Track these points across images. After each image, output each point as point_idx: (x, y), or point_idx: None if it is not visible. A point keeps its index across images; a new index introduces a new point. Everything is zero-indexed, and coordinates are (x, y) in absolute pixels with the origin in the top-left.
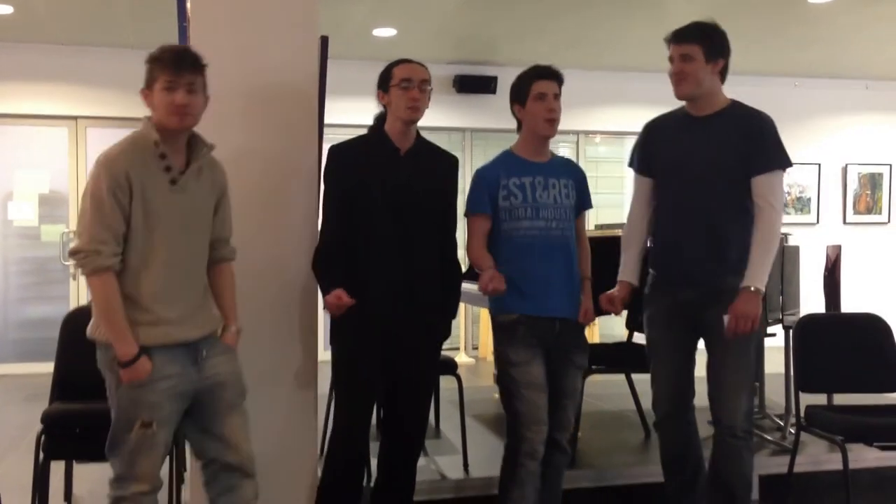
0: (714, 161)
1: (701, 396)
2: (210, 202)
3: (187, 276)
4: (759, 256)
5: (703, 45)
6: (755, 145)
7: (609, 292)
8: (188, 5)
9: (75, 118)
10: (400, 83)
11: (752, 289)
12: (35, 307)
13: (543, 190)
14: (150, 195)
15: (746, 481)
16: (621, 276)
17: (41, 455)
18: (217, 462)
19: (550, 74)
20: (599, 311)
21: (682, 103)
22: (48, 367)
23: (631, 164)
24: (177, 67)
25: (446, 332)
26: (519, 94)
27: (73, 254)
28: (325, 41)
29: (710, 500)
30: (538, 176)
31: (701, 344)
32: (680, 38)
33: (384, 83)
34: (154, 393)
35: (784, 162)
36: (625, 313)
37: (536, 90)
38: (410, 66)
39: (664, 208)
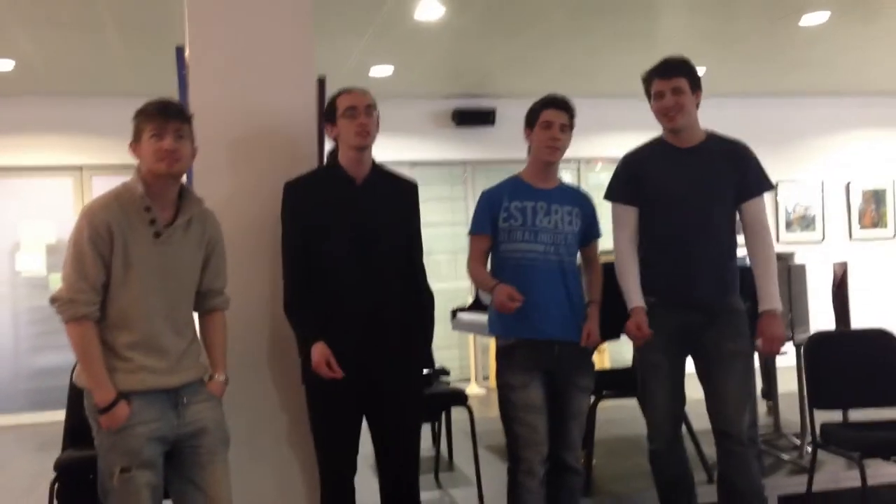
0: (710, 190)
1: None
2: (197, 255)
3: (169, 327)
4: (771, 277)
5: (688, 77)
6: (743, 173)
7: (635, 320)
8: (186, 53)
9: (80, 168)
10: (345, 112)
11: (775, 311)
12: (45, 356)
13: (545, 215)
14: (132, 247)
15: (759, 489)
16: (635, 303)
17: (55, 503)
18: None
19: (559, 104)
20: (607, 336)
21: (656, 135)
22: (60, 416)
23: (610, 196)
24: (164, 116)
25: (424, 361)
26: (530, 119)
27: (52, 301)
28: (322, 81)
29: None
30: (541, 201)
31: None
32: (670, 72)
33: (330, 115)
34: (132, 438)
35: (769, 185)
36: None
37: (544, 118)
38: (353, 94)
39: (661, 235)
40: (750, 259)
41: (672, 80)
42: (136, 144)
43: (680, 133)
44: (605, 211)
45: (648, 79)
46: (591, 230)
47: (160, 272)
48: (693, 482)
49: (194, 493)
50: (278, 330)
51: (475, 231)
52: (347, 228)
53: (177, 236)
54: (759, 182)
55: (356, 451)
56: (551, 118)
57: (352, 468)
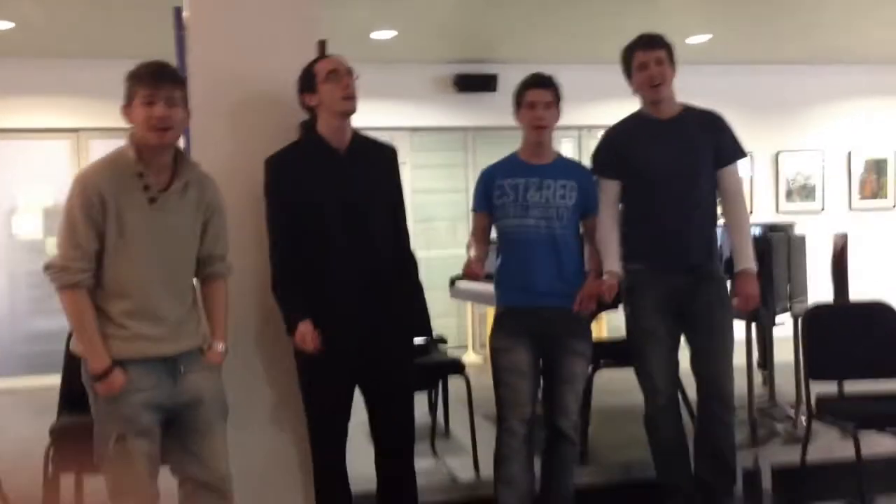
0: (693, 158)
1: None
2: (195, 220)
3: (165, 294)
4: (746, 239)
5: (667, 50)
6: (720, 141)
7: (606, 280)
8: (185, 14)
9: (77, 131)
10: (328, 76)
11: (751, 270)
12: (42, 320)
13: (536, 191)
14: (125, 214)
15: (734, 452)
16: (612, 267)
17: (50, 468)
18: (192, 480)
19: (541, 83)
20: (608, 306)
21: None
22: (56, 380)
23: (593, 170)
24: (155, 81)
25: (421, 327)
26: (517, 100)
27: (46, 269)
28: (322, 45)
29: (706, 473)
30: (533, 177)
31: None
32: (652, 44)
33: (309, 84)
34: (128, 406)
35: (743, 153)
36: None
37: (528, 98)
38: (331, 58)
39: (647, 204)
40: (727, 222)
41: (655, 51)
42: (127, 108)
43: (660, 104)
44: None
45: (630, 51)
46: (588, 203)
47: (156, 238)
48: (688, 447)
49: (191, 462)
50: (268, 304)
51: (473, 209)
52: (335, 200)
53: (172, 201)
54: (734, 150)
55: (347, 420)
56: (534, 98)
57: (343, 436)
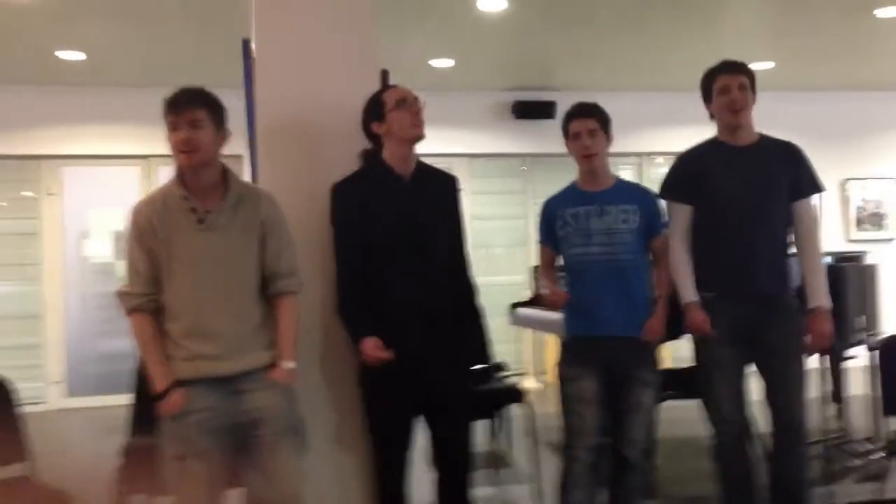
0: (767, 187)
1: None
2: (248, 237)
3: (221, 314)
4: (819, 275)
5: (749, 78)
6: (796, 173)
7: (693, 315)
8: (253, 45)
9: (147, 157)
10: (398, 104)
11: (824, 308)
12: (114, 341)
13: (598, 218)
14: (174, 238)
15: (810, 486)
16: (689, 298)
17: (120, 488)
18: (260, 500)
19: (582, 112)
20: (673, 333)
21: (710, 134)
22: (128, 399)
23: (664, 195)
24: (175, 107)
25: (481, 354)
26: (564, 132)
27: (115, 295)
28: (385, 74)
29: None
30: (592, 205)
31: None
32: (735, 69)
33: (377, 112)
34: (186, 426)
35: (820, 187)
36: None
37: (571, 129)
38: (398, 88)
39: (719, 231)
40: (800, 257)
41: (739, 76)
42: (166, 134)
43: (738, 131)
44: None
45: (712, 75)
46: (653, 224)
47: (205, 258)
48: (756, 482)
49: (260, 482)
50: (335, 326)
51: (540, 241)
52: (399, 226)
53: (221, 221)
54: (811, 183)
55: (408, 446)
56: (578, 128)
57: (403, 462)
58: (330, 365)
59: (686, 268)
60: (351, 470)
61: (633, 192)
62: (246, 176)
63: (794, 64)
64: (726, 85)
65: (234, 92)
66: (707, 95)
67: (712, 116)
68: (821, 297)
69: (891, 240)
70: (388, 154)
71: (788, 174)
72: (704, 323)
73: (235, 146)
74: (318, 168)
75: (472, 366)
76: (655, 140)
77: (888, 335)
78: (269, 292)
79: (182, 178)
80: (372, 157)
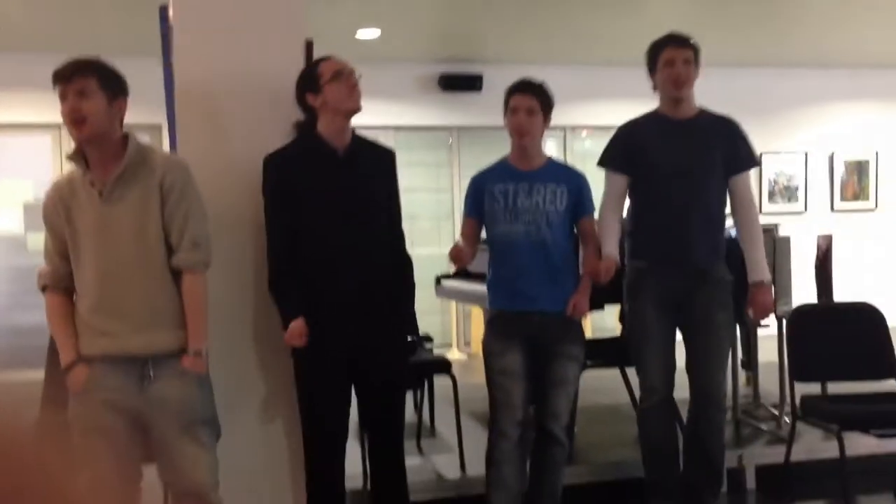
0: (706, 161)
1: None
2: (148, 206)
3: (127, 288)
4: (759, 248)
5: (695, 52)
6: (734, 147)
7: (603, 262)
8: (170, 11)
9: (59, 126)
10: (333, 77)
11: (765, 281)
12: (23, 315)
13: (526, 196)
14: (76, 214)
15: (723, 451)
16: (607, 251)
17: None
18: (172, 486)
19: (525, 88)
20: (593, 307)
21: (644, 104)
22: (37, 375)
23: (603, 163)
24: (62, 77)
25: (409, 328)
26: (504, 105)
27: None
28: (309, 45)
29: (693, 473)
30: (522, 182)
31: None
32: (681, 42)
33: (312, 84)
34: (88, 403)
35: (756, 161)
36: (616, 308)
37: (512, 103)
38: (334, 59)
39: (655, 202)
40: (738, 231)
41: (684, 49)
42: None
43: (680, 104)
44: (590, 179)
45: (658, 48)
46: (581, 206)
47: (107, 231)
48: (678, 448)
49: (167, 470)
50: (263, 301)
51: (466, 214)
52: (333, 202)
53: (118, 191)
54: (748, 157)
55: (345, 418)
56: (517, 103)
57: (340, 436)
58: (260, 344)
59: (612, 230)
60: (282, 444)
61: (563, 173)
62: (165, 146)
63: (714, 39)
64: (671, 58)
65: (156, 59)
66: (652, 67)
67: (655, 88)
68: (762, 270)
69: (802, 212)
70: (323, 127)
71: (726, 148)
72: (607, 273)
73: (155, 115)
74: (237, 138)
75: (406, 337)
76: (580, 113)
77: (798, 305)
78: (173, 266)
79: (81, 151)
80: (306, 129)
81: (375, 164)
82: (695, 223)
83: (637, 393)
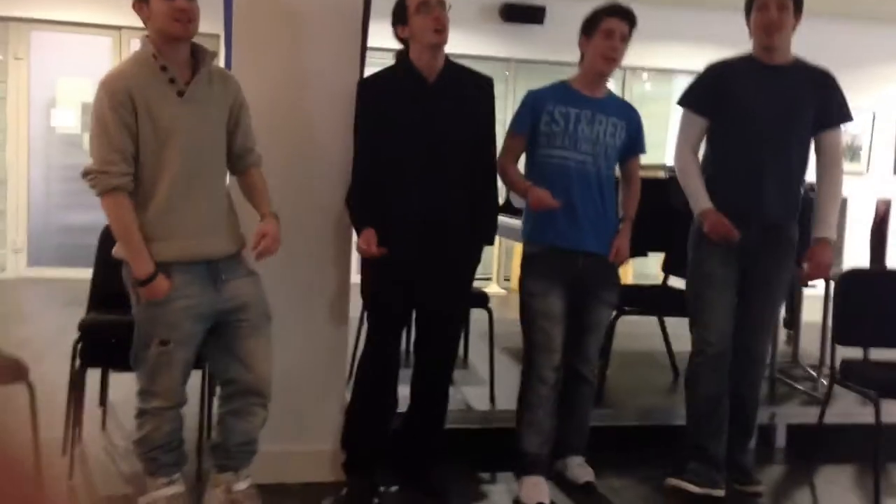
0: (793, 109)
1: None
2: (224, 111)
3: (203, 187)
4: (833, 209)
5: None
6: (827, 100)
7: (712, 220)
8: None
9: (119, 28)
10: (419, 8)
11: (828, 239)
12: (77, 214)
13: (588, 124)
14: (157, 110)
15: (757, 411)
16: (704, 205)
17: (77, 361)
18: (234, 383)
19: (623, 13)
20: (635, 253)
21: (729, 47)
22: (88, 273)
23: (685, 102)
24: None
25: (476, 259)
26: (588, 27)
27: (84, 175)
28: None
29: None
30: (586, 110)
31: None
32: None
33: (401, 16)
34: (171, 313)
35: (849, 116)
36: (661, 256)
37: (605, 26)
38: None
39: (734, 148)
40: (817, 186)
41: None
42: (140, 4)
43: (773, 51)
44: (647, 123)
45: None
46: (635, 145)
47: (191, 130)
48: (727, 410)
49: (236, 366)
50: (318, 208)
51: (515, 130)
52: (417, 130)
53: (200, 93)
54: (840, 112)
55: (400, 337)
56: (613, 26)
57: (394, 354)
58: (308, 253)
59: (697, 176)
60: (330, 351)
61: (623, 108)
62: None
63: None
64: (765, 2)
65: None
66: (748, 10)
67: (752, 34)
68: (828, 228)
69: (863, 174)
70: (414, 57)
71: (817, 101)
72: (727, 227)
73: (213, 26)
74: (294, 54)
75: (472, 270)
76: (641, 55)
77: (849, 268)
78: (237, 168)
79: (159, 50)
80: (401, 57)
81: (469, 94)
82: (773, 176)
83: (674, 345)
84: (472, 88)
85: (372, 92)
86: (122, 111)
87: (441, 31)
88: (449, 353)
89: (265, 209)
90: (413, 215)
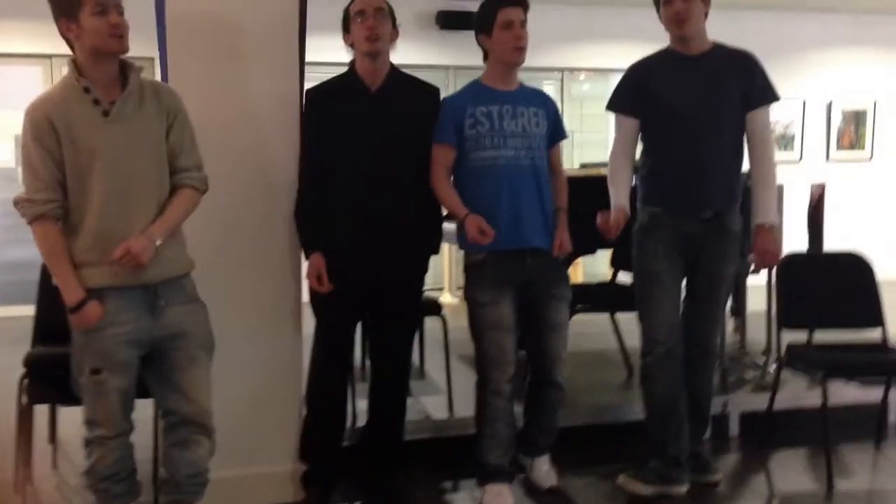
0: (717, 96)
1: None
2: (158, 127)
3: (137, 209)
4: (769, 193)
5: None
6: (750, 82)
7: (613, 216)
8: None
9: (49, 57)
10: (355, 17)
11: (769, 225)
12: (15, 250)
13: (511, 118)
14: (80, 133)
15: (710, 402)
16: (618, 202)
17: (24, 398)
18: (174, 414)
19: (515, 1)
20: (582, 251)
21: (664, 44)
22: (30, 310)
23: (613, 107)
24: None
25: (424, 267)
26: (484, 22)
27: (15, 204)
28: None
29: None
30: (506, 104)
31: None
32: None
33: (345, 23)
34: (104, 339)
35: (775, 96)
36: (609, 252)
37: (502, 18)
38: None
39: (668, 144)
40: (751, 170)
41: None
42: (68, 22)
43: (688, 41)
44: (588, 122)
45: None
46: (556, 131)
47: (117, 151)
48: (682, 404)
49: (175, 397)
50: (269, 223)
51: (440, 140)
52: (360, 138)
53: (128, 111)
54: (765, 92)
55: (352, 346)
56: (511, 17)
57: (347, 356)
58: (263, 270)
59: (624, 178)
60: (280, 376)
61: (538, 96)
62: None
63: None
64: None
65: None
66: (657, 4)
67: (665, 27)
68: (765, 212)
69: (797, 161)
70: (358, 64)
71: (741, 84)
72: (611, 228)
73: (146, 48)
74: (232, 69)
75: (422, 277)
76: (578, 55)
77: (788, 253)
78: (172, 186)
79: (81, 71)
80: (350, 66)
81: (412, 102)
82: (709, 165)
83: (627, 341)
84: (416, 96)
85: (317, 101)
86: (45, 138)
87: (374, 40)
88: (404, 363)
89: (155, 226)
90: (360, 221)
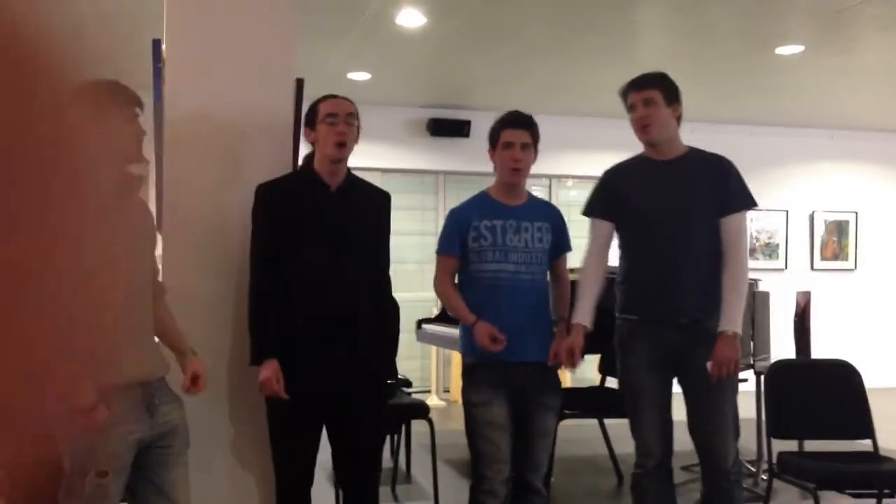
0: (692, 203)
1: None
2: (150, 234)
3: (138, 308)
4: (735, 300)
5: (662, 89)
6: (724, 187)
7: (568, 342)
8: (163, 46)
9: None
10: (325, 118)
11: (731, 333)
12: None
13: (514, 234)
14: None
15: None
16: (578, 319)
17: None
18: None
19: (519, 123)
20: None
21: (630, 154)
22: None
23: (587, 212)
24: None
25: (388, 372)
26: (492, 139)
27: None
28: (300, 83)
29: None
30: (510, 219)
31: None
32: (640, 84)
33: (311, 120)
34: (113, 441)
35: (751, 202)
36: (597, 358)
37: (504, 138)
38: (336, 100)
39: (642, 251)
40: (723, 275)
41: (644, 91)
42: None
43: (658, 146)
44: (574, 227)
45: (624, 93)
46: (560, 244)
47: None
48: None
49: (155, 495)
50: (242, 333)
51: (443, 251)
52: (320, 236)
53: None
54: (740, 197)
55: (314, 461)
56: (511, 138)
57: (309, 478)
58: (235, 375)
59: (592, 286)
60: (252, 483)
61: (545, 210)
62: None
63: (701, 95)
64: (632, 103)
65: (144, 92)
66: (629, 113)
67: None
68: (729, 321)
69: (782, 269)
70: (317, 162)
71: (714, 189)
72: (571, 356)
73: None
74: (225, 175)
75: (385, 380)
76: (567, 163)
77: (776, 361)
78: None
79: None
80: (306, 162)
81: (368, 204)
82: (683, 272)
83: (616, 447)
84: (373, 198)
85: (272, 197)
86: None
87: (342, 146)
88: (374, 474)
89: (184, 344)
90: (321, 323)
